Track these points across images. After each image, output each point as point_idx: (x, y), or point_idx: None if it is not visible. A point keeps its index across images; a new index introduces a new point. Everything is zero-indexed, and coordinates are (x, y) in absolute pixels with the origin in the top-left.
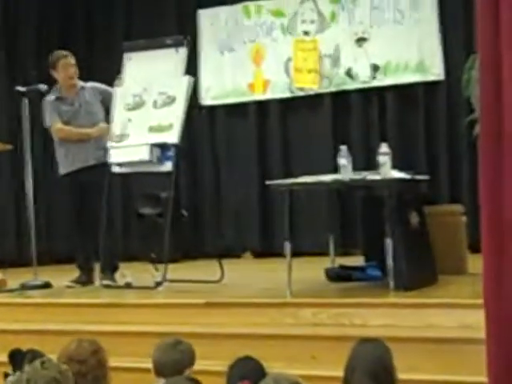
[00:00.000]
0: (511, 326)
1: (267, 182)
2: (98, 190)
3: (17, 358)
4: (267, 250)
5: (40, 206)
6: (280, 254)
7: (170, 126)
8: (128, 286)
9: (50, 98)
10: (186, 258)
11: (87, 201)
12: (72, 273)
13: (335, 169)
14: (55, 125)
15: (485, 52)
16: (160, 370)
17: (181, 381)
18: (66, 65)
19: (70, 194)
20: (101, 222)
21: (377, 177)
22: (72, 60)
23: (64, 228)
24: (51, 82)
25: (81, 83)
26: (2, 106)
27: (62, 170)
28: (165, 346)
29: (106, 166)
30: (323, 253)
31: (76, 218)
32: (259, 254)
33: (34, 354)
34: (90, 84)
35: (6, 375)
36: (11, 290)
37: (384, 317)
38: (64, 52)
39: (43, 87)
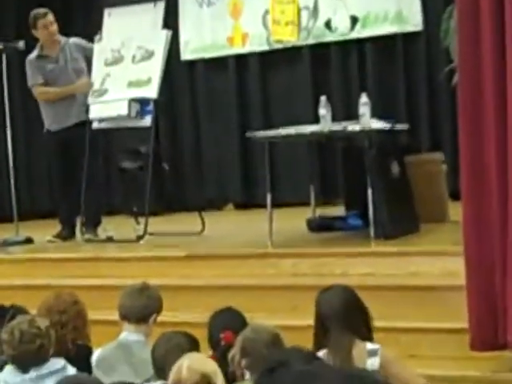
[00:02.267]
0: (491, 272)
1: (247, 134)
2: (80, 146)
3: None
4: (249, 202)
5: (21, 162)
6: (261, 205)
7: (149, 80)
8: (110, 239)
9: (32, 56)
10: (168, 211)
11: (70, 157)
12: (54, 228)
13: (316, 119)
14: (37, 88)
15: (462, 1)
16: (125, 315)
17: (176, 336)
18: (45, 23)
19: (55, 149)
20: (83, 177)
21: (356, 127)
22: (51, 17)
23: (46, 184)
24: (33, 40)
25: (63, 39)
26: None
27: (50, 126)
28: (131, 290)
29: (88, 122)
30: (304, 203)
31: (58, 174)
32: (241, 206)
33: (16, 310)
34: (72, 40)
35: None
36: None
37: (365, 266)
38: (42, 10)
39: (21, 44)
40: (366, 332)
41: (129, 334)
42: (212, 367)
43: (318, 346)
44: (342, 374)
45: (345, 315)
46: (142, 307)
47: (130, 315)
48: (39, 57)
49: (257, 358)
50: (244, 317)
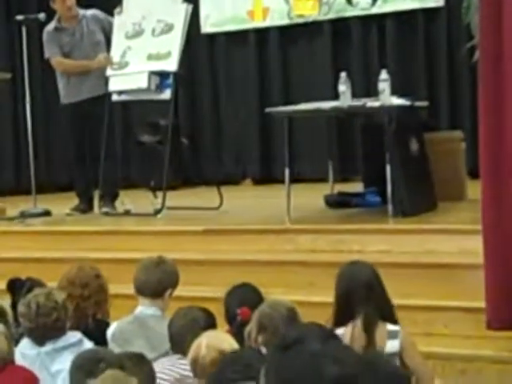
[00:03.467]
0: (509, 251)
1: (267, 110)
2: (99, 119)
3: (16, 287)
4: (267, 177)
5: (39, 135)
6: (280, 181)
7: (169, 53)
8: (127, 213)
9: (50, 28)
10: (186, 186)
11: (88, 130)
12: (72, 201)
13: (335, 95)
14: (54, 58)
15: None
16: (140, 289)
17: (192, 311)
18: None
19: (71, 123)
20: (101, 150)
21: (376, 104)
22: None
23: (64, 157)
24: (54, 13)
25: (81, 12)
26: (1, 36)
27: (64, 99)
28: (147, 264)
29: (106, 96)
30: (323, 179)
31: (76, 147)
32: (259, 181)
33: (33, 283)
34: (90, 12)
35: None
36: (11, 218)
37: (382, 243)
38: None
39: (42, 16)
40: (388, 311)
41: (145, 308)
42: (230, 345)
43: (338, 323)
44: (359, 359)
45: (371, 291)
46: (156, 281)
47: (145, 289)
48: (56, 29)
49: (273, 334)
50: (261, 292)
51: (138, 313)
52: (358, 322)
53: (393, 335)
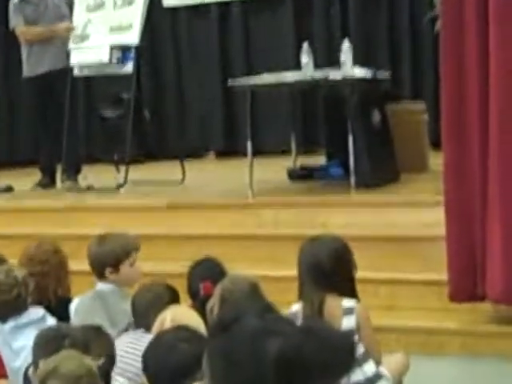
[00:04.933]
0: (471, 222)
1: (229, 82)
2: (61, 93)
3: None
4: (230, 150)
5: (1, 109)
6: (243, 154)
7: (130, 26)
8: (90, 188)
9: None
10: (149, 160)
11: (50, 104)
12: (34, 176)
13: (298, 66)
14: (18, 28)
15: None
16: (91, 265)
17: (156, 286)
18: None
19: (33, 97)
20: (64, 125)
21: (338, 75)
22: None
23: (26, 131)
24: None
25: None
26: None
27: (26, 72)
28: (91, 243)
29: (68, 70)
30: (286, 152)
31: (39, 121)
32: (222, 154)
33: None
34: None
35: None
36: None
37: (345, 215)
38: None
39: None
40: (347, 288)
41: (103, 284)
42: (196, 320)
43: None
44: (300, 329)
45: (321, 269)
46: (96, 261)
47: (94, 265)
48: (21, 0)
49: (233, 307)
50: (223, 267)
51: (98, 288)
52: (305, 298)
53: (348, 311)
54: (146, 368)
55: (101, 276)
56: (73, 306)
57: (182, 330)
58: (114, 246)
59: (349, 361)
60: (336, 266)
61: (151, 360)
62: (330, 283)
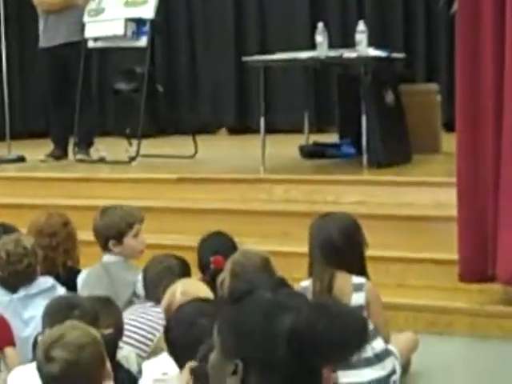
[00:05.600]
0: (483, 203)
1: (243, 59)
2: (75, 65)
3: None
4: (243, 127)
5: (15, 80)
6: (255, 131)
7: (145, 0)
8: (102, 160)
9: None
10: (161, 134)
11: (65, 76)
12: (47, 147)
13: (313, 46)
14: None
15: None
16: (95, 237)
17: (167, 258)
18: None
19: (48, 68)
20: (77, 96)
21: (353, 54)
22: None
23: (40, 103)
24: None
25: None
26: None
27: (41, 42)
28: (97, 214)
29: (82, 42)
30: (298, 130)
31: (53, 93)
32: (234, 131)
33: (6, 228)
34: None
35: None
36: None
37: (357, 194)
38: None
39: None
40: (357, 266)
41: (108, 255)
42: (206, 293)
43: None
44: (313, 306)
45: (331, 245)
46: (98, 234)
47: (98, 238)
48: None
49: (246, 280)
50: (234, 241)
51: (103, 260)
52: (315, 275)
53: (358, 288)
54: (168, 341)
55: (105, 248)
56: (80, 279)
57: (200, 303)
58: (117, 218)
59: (361, 339)
60: (346, 242)
61: (173, 333)
62: (341, 260)
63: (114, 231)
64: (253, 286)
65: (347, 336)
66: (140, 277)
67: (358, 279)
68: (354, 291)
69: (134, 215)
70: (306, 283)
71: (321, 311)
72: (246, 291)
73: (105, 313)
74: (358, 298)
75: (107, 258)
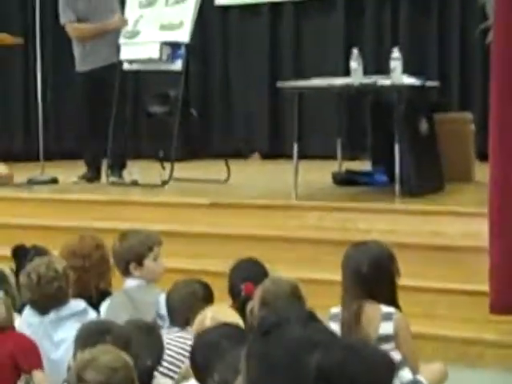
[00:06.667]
0: None
1: (278, 84)
2: (111, 88)
3: (20, 254)
4: (275, 152)
5: (50, 101)
6: (288, 156)
7: (181, 24)
8: (134, 183)
9: None
10: (194, 158)
11: (100, 98)
12: (80, 169)
13: (347, 71)
14: (70, 24)
15: None
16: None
17: (190, 283)
18: None
19: (84, 91)
20: (111, 119)
21: (387, 82)
22: None
23: (74, 124)
24: None
25: None
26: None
27: (78, 67)
28: (115, 241)
29: (118, 64)
30: (331, 156)
31: (88, 115)
32: (267, 156)
33: (37, 251)
34: None
35: (14, 272)
36: (18, 185)
37: (389, 222)
38: None
39: None
40: (388, 296)
41: (130, 280)
42: (235, 319)
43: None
44: (343, 345)
45: (361, 276)
46: (118, 257)
47: (118, 262)
48: None
49: (276, 310)
50: (265, 268)
51: (126, 286)
52: (345, 304)
53: (387, 317)
54: (193, 364)
55: (126, 272)
56: (103, 306)
57: (224, 327)
58: (136, 241)
59: (388, 381)
60: (377, 273)
61: (198, 357)
62: (371, 290)
63: (134, 255)
64: (282, 319)
65: (375, 378)
66: (162, 297)
67: (387, 309)
68: (382, 321)
69: (153, 238)
70: (336, 310)
71: (349, 351)
72: (275, 324)
73: (146, 341)
74: (386, 328)
75: (129, 282)
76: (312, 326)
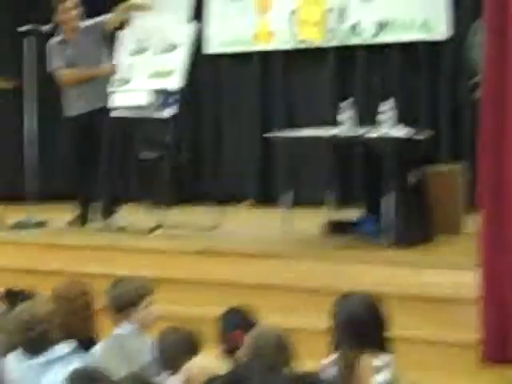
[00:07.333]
0: (504, 288)
1: (267, 134)
2: (98, 133)
3: (11, 297)
4: (267, 199)
5: (40, 146)
6: (279, 204)
7: (171, 72)
8: (124, 228)
9: (54, 41)
10: (184, 203)
11: (90, 143)
12: (69, 212)
13: (337, 122)
14: (58, 70)
15: (491, 16)
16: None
17: (179, 331)
18: (64, 8)
19: (73, 136)
20: (101, 165)
21: (375, 135)
22: (70, 3)
23: (64, 169)
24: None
25: (85, 23)
26: (7, 46)
27: (66, 112)
28: (109, 287)
29: (107, 110)
30: (321, 204)
31: (76, 160)
32: (258, 202)
33: (24, 295)
34: (87, 23)
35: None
36: (7, 227)
37: (377, 273)
38: None
39: (45, 28)
40: (381, 345)
41: (122, 326)
42: (221, 368)
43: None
44: None
45: (356, 326)
46: (112, 305)
47: (110, 309)
48: (60, 42)
49: (263, 361)
50: (255, 317)
51: (116, 331)
52: (339, 357)
53: (379, 369)
54: None
55: (118, 319)
56: (93, 351)
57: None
58: (128, 289)
59: None
60: (371, 323)
61: None
62: (365, 337)
63: (126, 302)
64: (246, 371)
65: None
66: (151, 344)
67: (379, 361)
68: (375, 372)
69: (146, 287)
70: (327, 360)
71: None
72: (238, 377)
73: None
74: (378, 380)
75: (120, 330)
76: (272, 379)
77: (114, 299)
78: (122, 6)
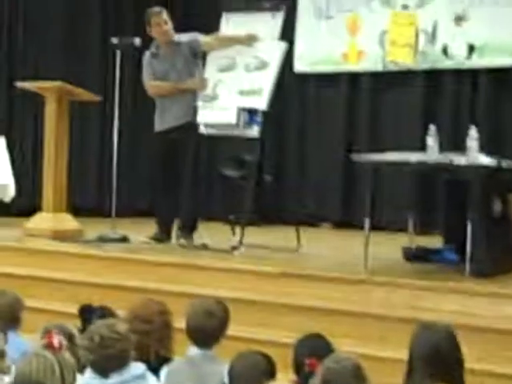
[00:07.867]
0: None
1: (353, 157)
2: (184, 148)
3: (86, 314)
4: (347, 221)
5: (125, 159)
6: (359, 227)
7: (260, 90)
8: (204, 247)
9: (147, 53)
10: (265, 223)
11: (173, 158)
12: (150, 227)
13: (422, 145)
14: (147, 82)
15: None
16: (192, 337)
17: (253, 355)
18: (158, 22)
19: (160, 150)
20: (185, 181)
21: (463, 161)
22: (164, 16)
23: (147, 183)
24: (149, 38)
25: (178, 37)
26: (96, 58)
27: (156, 126)
28: (199, 311)
29: (194, 125)
30: (402, 230)
31: (160, 174)
32: (338, 225)
33: (104, 311)
34: (184, 39)
35: (80, 330)
36: (88, 241)
37: (457, 303)
38: (157, 9)
39: (137, 41)
40: (456, 380)
41: (196, 348)
42: None
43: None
44: None
45: (433, 361)
46: (207, 333)
47: (196, 339)
48: (152, 54)
49: None
50: (331, 344)
51: (191, 353)
52: None
53: None
54: None
55: (208, 346)
56: (163, 372)
57: None
58: (224, 314)
59: None
60: (453, 354)
61: None
62: (444, 372)
63: (223, 329)
64: None
65: None
66: (226, 368)
67: None
68: None
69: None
70: None
71: None
72: None
73: None
74: None
75: (193, 350)
76: None
77: (205, 328)
78: (227, 37)
